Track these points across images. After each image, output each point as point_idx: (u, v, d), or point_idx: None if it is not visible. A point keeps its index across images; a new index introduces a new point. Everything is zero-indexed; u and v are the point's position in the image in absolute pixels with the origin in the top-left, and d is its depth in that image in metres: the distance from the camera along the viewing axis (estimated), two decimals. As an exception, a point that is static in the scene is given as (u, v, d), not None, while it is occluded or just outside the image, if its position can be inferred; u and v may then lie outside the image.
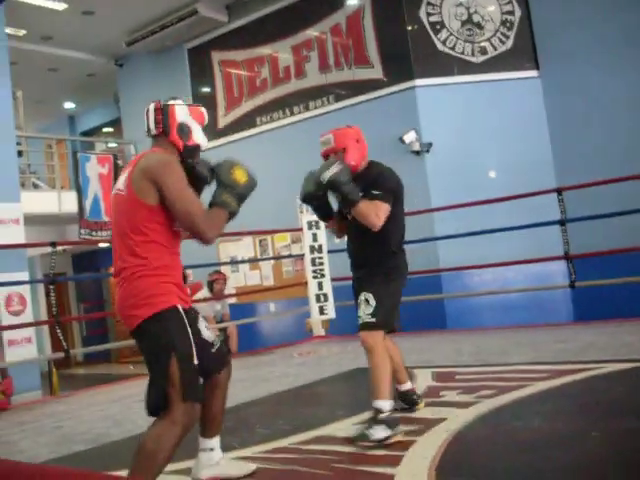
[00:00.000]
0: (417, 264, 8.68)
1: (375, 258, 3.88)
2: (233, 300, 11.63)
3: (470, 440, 3.46)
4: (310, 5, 11.19)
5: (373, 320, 3.71)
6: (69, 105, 17.34)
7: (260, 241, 11.71)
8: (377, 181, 3.81)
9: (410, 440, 3.50)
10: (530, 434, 3.42)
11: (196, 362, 2.90)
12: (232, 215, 3.09)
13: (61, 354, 7.19)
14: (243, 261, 11.72)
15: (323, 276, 8.45)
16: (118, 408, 5.69)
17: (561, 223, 7.48)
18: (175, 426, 2.83)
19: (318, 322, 8.80)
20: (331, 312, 8.39)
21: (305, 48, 11.31)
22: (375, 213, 3.72)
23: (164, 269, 2.95)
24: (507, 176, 9.42)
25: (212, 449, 3.26)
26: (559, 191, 7.56)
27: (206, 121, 3.24)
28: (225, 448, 3.73)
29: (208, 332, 3.13)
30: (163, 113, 3.13)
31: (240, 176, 3.13)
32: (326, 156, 3.93)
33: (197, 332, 3.01)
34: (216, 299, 9.20)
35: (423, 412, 4.06)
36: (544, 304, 9.03)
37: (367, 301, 3.74)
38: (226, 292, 11.79)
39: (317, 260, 8.45)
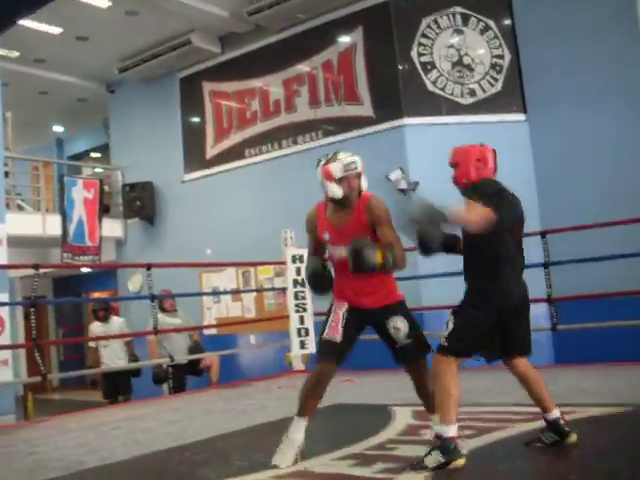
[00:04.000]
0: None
1: (467, 281, 3.92)
2: (214, 331, 11.59)
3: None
4: (303, 40, 11.29)
5: (445, 344, 3.73)
6: (58, 129, 17.34)
7: (243, 273, 11.69)
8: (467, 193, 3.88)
9: (389, 478, 3.48)
10: (510, 475, 3.40)
11: (328, 337, 3.97)
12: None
13: (38, 378, 7.10)
14: (225, 292, 11.68)
15: (305, 310, 8.44)
16: (94, 435, 5.63)
17: (544, 266, 7.51)
18: (312, 373, 4.11)
19: (298, 356, 8.76)
20: (312, 346, 8.36)
21: (296, 83, 11.39)
22: (468, 213, 3.75)
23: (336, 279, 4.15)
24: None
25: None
26: (543, 234, 7.60)
27: (336, 174, 3.96)
28: None
29: (394, 332, 4.00)
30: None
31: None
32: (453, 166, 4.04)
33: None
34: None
35: (403, 450, 4.04)
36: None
37: (447, 324, 3.77)
38: (207, 322, 11.79)
39: (299, 294, 8.44)
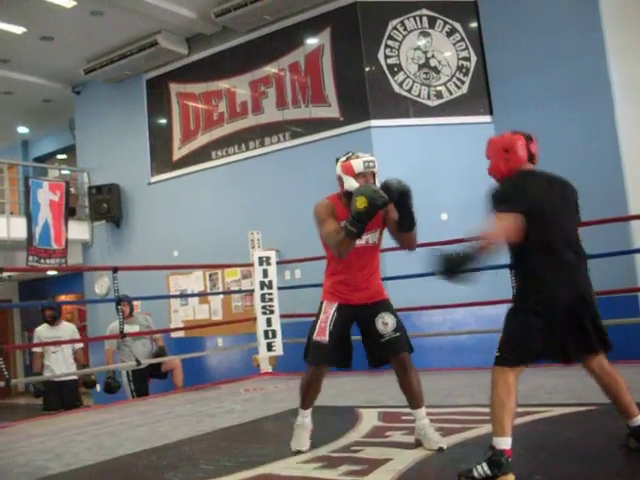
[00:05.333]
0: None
1: (515, 280, 3.76)
2: (181, 334, 11.53)
3: (415, 481, 3.45)
4: (270, 42, 11.28)
5: (497, 354, 3.56)
6: (23, 130, 17.16)
7: (210, 275, 11.65)
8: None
9: (355, 480, 3.48)
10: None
11: (317, 339, 4.17)
12: (352, 235, 3.98)
13: (1, 383, 7.01)
14: (193, 294, 11.63)
15: (272, 312, 8.42)
16: (58, 440, 5.57)
17: (510, 267, 7.54)
18: (306, 375, 4.33)
19: (266, 358, 8.75)
20: (279, 349, 8.35)
21: (263, 84, 11.36)
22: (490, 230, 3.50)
23: (331, 276, 4.38)
24: (459, 219, 9.49)
25: (415, 419, 4.18)
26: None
27: (357, 170, 4.20)
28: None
29: (382, 327, 4.21)
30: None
31: (359, 204, 3.86)
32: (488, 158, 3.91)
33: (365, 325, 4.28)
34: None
35: (369, 452, 4.04)
36: (493, 347, 9.05)
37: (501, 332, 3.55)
38: (174, 325, 11.74)
39: (267, 296, 8.43)
